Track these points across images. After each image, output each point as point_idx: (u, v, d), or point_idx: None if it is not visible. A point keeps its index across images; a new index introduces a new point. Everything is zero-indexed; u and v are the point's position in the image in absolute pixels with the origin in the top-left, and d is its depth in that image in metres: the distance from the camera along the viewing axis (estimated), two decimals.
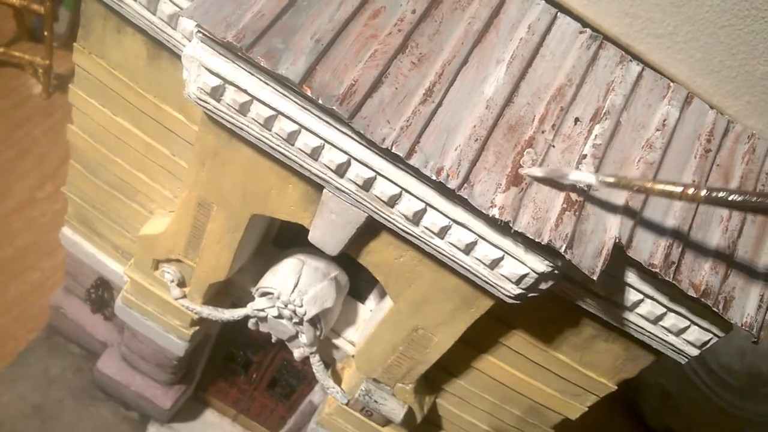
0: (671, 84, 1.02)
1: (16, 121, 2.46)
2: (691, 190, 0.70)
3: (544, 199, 0.88)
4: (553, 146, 0.92)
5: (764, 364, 2.38)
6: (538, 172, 0.88)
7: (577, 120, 0.95)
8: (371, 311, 1.40)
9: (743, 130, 1.03)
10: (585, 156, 0.92)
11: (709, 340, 1.02)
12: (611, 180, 0.80)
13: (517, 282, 0.92)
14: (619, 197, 0.92)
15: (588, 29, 1.01)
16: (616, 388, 1.20)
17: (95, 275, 1.64)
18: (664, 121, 0.99)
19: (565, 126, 0.94)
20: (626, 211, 0.91)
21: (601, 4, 1.02)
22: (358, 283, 1.39)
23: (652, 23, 1.01)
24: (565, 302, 1.05)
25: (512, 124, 0.92)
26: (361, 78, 0.85)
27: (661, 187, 0.73)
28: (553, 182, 0.88)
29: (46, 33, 2.44)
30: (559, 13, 1.01)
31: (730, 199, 0.67)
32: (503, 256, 0.91)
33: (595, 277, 0.86)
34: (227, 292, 1.43)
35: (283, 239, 1.40)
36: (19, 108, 2.51)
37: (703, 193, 0.68)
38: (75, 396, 1.83)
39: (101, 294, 1.66)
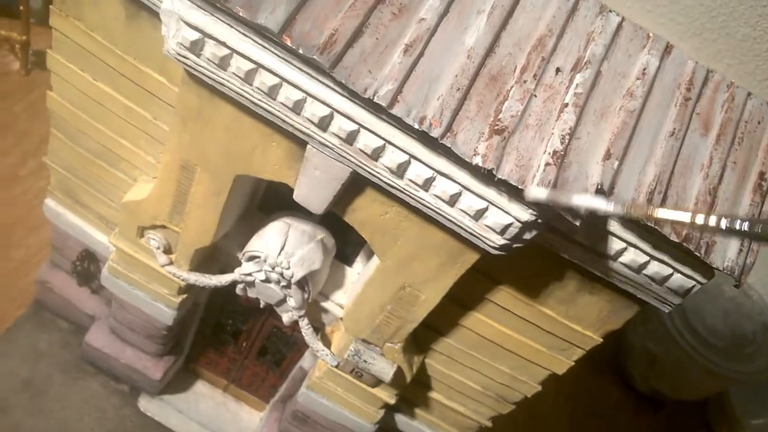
0: (650, 34, 1.02)
1: None
2: (703, 220, 0.63)
3: (527, 147, 0.88)
4: (535, 96, 0.92)
5: (747, 325, 2.42)
6: (541, 193, 0.81)
7: (558, 70, 0.95)
8: (359, 274, 1.40)
9: (722, 79, 1.04)
10: (566, 105, 0.92)
11: (692, 288, 1.03)
12: (621, 209, 0.73)
13: (502, 232, 0.93)
14: (601, 146, 0.93)
15: None
16: (602, 340, 1.21)
17: (80, 247, 1.63)
18: (644, 70, 0.99)
19: (547, 76, 0.94)
20: (608, 157, 0.92)
21: None
22: (345, 248, 1.39)
23: None
24: (549, 255, 1.05)
25: (494, 74, 0.92)
26: (341, 27, 0.85)
27: (672, 216, 0.67)
28: (559, 206, 0.80)
29: (21, 8, 2.40)
30: None
31: (742, 228, 0.59)
32: (487, 206, 0.91)
33: (577, 223, 0.86)
34: (214, 259, 1.43)
35: (268, 205, 1.40)
36: None
37: (713, 222, 0.62)
38: (64, 370, 1.83)
39: (87, 266, 1.65)
